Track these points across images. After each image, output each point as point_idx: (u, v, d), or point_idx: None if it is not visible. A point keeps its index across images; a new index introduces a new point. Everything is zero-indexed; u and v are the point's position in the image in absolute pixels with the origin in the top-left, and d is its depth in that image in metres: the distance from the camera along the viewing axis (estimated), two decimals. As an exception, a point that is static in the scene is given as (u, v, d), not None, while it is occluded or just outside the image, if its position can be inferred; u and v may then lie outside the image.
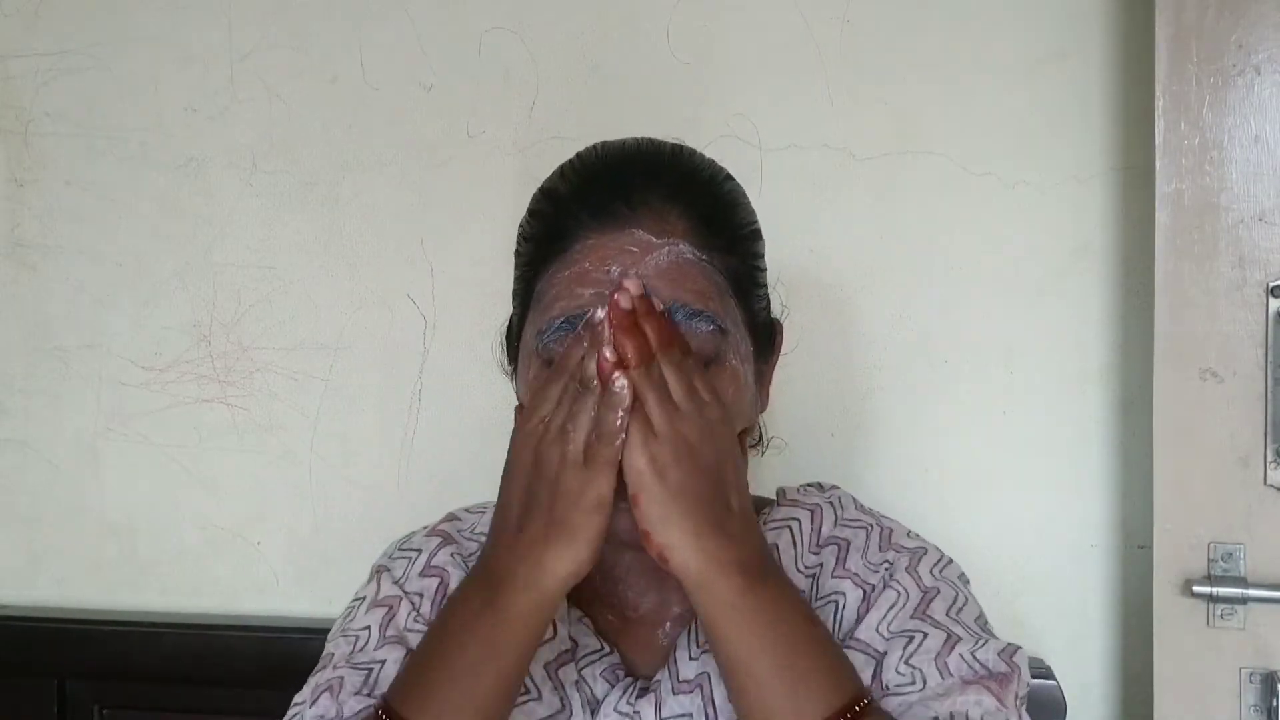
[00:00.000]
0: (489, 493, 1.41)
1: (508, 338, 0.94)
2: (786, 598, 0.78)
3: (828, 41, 1.30)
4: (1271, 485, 1.15)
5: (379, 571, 0.96)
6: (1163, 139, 1.15)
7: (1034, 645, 1.29)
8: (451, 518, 1.00)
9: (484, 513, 0.99)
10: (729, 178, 0.90)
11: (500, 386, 1.28)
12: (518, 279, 0.90)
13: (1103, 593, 1.29)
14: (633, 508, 0.76)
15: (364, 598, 0.94)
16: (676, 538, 0.75)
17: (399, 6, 1.38)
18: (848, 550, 0.91)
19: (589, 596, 0.91)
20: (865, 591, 0.88)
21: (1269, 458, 1.14)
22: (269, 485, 1.43)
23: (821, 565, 0.90)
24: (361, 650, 0.89)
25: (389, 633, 0.89)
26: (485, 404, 1.36)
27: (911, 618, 0.85)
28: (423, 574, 0.93)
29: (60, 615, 1.45)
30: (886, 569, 0.89)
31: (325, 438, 1.42)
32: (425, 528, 0.99)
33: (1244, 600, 1.14)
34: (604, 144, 0.89)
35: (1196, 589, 1.14)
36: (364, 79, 1.39)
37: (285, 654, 1.34)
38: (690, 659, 0.86)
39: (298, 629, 1.37)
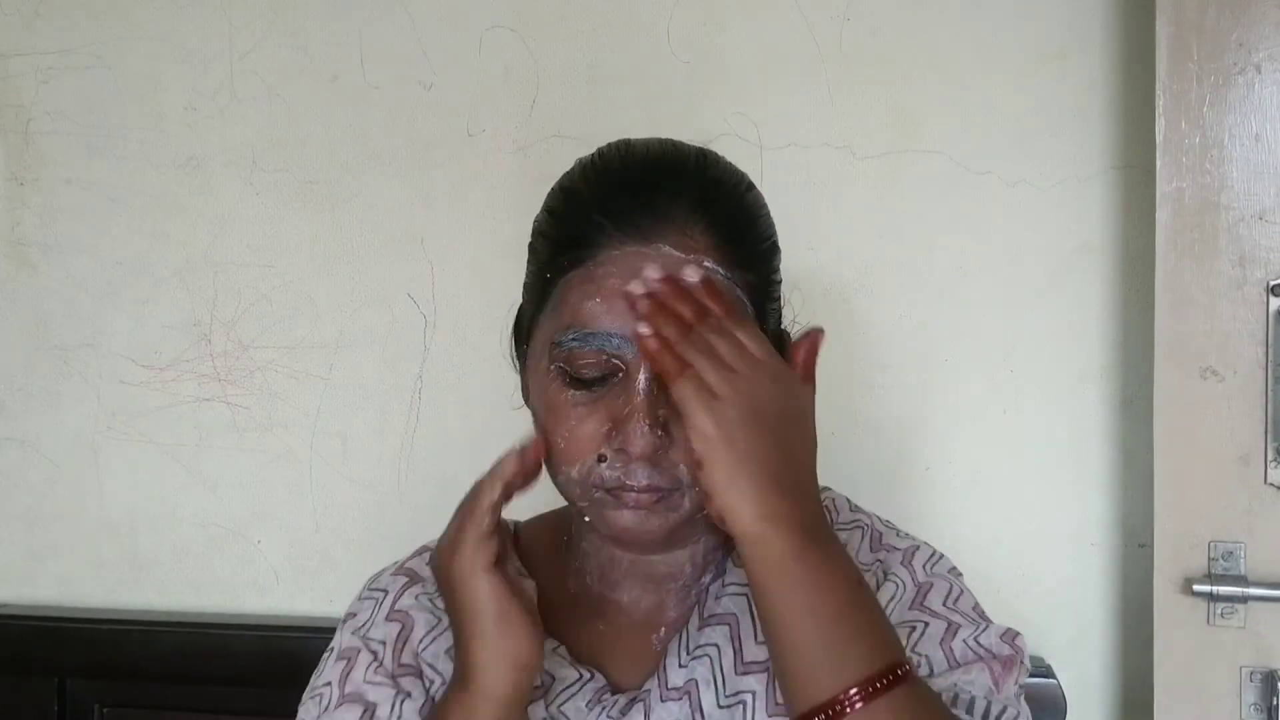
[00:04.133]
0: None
1: (516, 328, 0.92)
2: (839, 559, 0.76)
3: (828, 40, 1.30)
4: (1272, 484, 1.15)
5: (345, 619, 0.94)
6: (1163, 137, 1.15)
7: (1034, 645, 1.28)
8: (423, 550, 0.97)
9: None
10: (751, 187, 0.89)
11: (501, 385, 1.28)
12: (533, 273, 0.88)
13: (1103, 591, 1.29)
14: (696, 470, 0.75)
15: (333, 649, 0.93)
16: (737, 500, 0.73)
17: (399, 6, 1.38)
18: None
19: (585, 610, 0.90)
20: None
21: (1269, 456, 1.14)
22: (269, 484, 1.43)
23: None
24: (326, 711, 0.88)
25: (347, 689, 0.88)
26: (486, 403, 1.36)
27: (910, 609, 0.85)
28: (387, 618, 0.91)
29: (60, 614, 1.45)
30: (879, 566, 0.89)
31: (325, 437, 1.42)
32: (396, 563, 0.97)
33: (1244, 599, 1.14)
34: (626, 145, 0.87)
35: (1197, 588, 1.14)
36: (364, 78, 1.39)
37: (285, 653, 1.34)
38: (680, 666, 0.86)
39: (297, 628, 1.37)
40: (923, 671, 0.81)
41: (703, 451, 0.74)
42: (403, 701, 0.87)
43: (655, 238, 0.81)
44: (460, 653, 0.80)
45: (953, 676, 0.81)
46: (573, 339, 0.81)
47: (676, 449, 0.80)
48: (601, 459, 0.81)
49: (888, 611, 0.84)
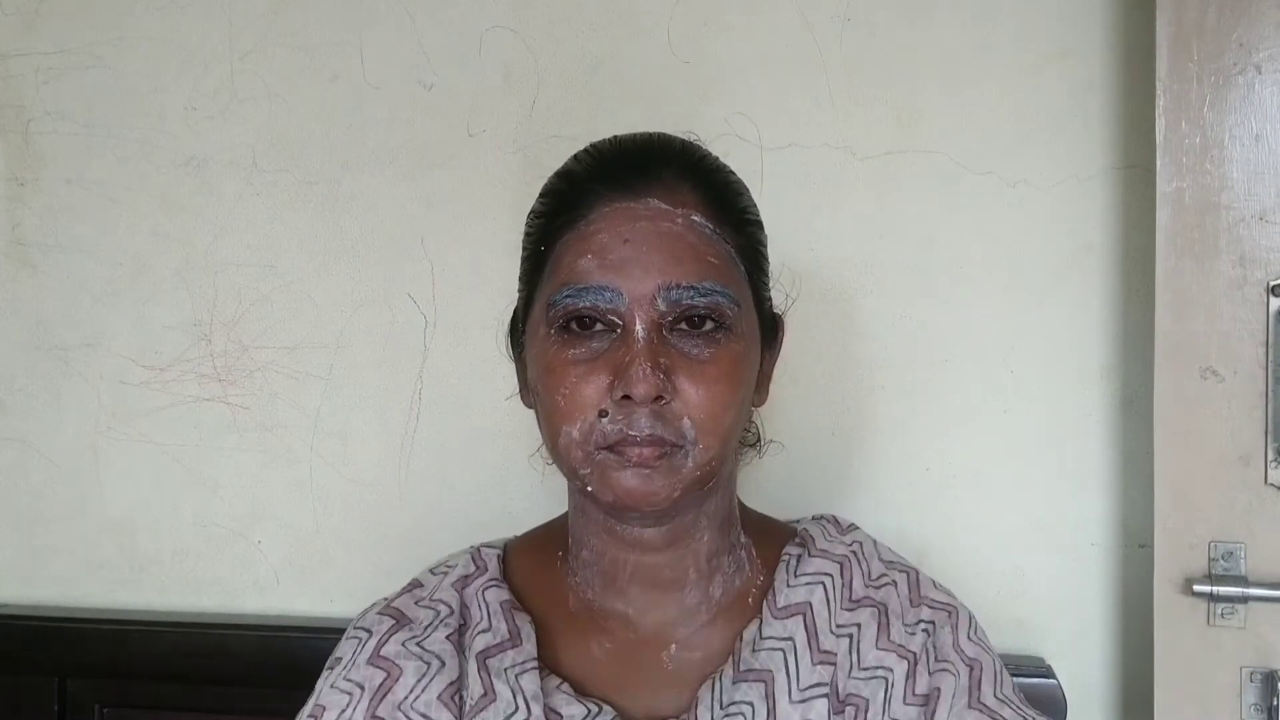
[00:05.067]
0: (487, 493, 1.41)
1: (512, 327, 0.94)
2: None
3: (828, 41, 1.30)
4: (1272, 484, 1.14)
5: (330, 664, 0.93)
6: (1163, 138, 1.15)
7: (1034, 645, 1.29)
8: (414, 585, 0.96)
9: (447, 573, 0.96)
10: (734, 173, 0.92)
11: (501, 385, 1.28)
12: (526, 258, 0.90)
13: (1103, 592, 1.29)
14: None
15: (312, 696, 0.91)
16: None
17: (399, 6, 1.38)
18: (886, 615, 0.90)
19: (588, 628, 0.90)
20: (910, 663, 0.88)
21: (1270, 456, 1.14)
22: (269, 484, 1.43)
23: (859, 626, 0.90)
24: None
25: None
26: (485, 403, 1.36)
27: (970, 706, 0.86)
28: (369, 662, 0.89)
29: (61, 614, 1.45)
30: (925, 633, 0.89)
31: (325, 437, 1.42)
32: (385, 599, 0.96)
33: (1244, 599, 1.13)
34: (616, 135, 0.91)
35: (1197, 588, 1.14)
36: (364, 78, 1.39)
37: (285, 653, 1.34)
38: (719, 709, 0.85)
39: (297, 628, 1.37)
40: None
41: None
42: None
43: (645, 194, 0.84)
44: None
45: None
46: (567, 295, 0.82)
47: (679, 400, 0.81)
48: (603, 414, 0.81)
49: (947, 709, 0.86)
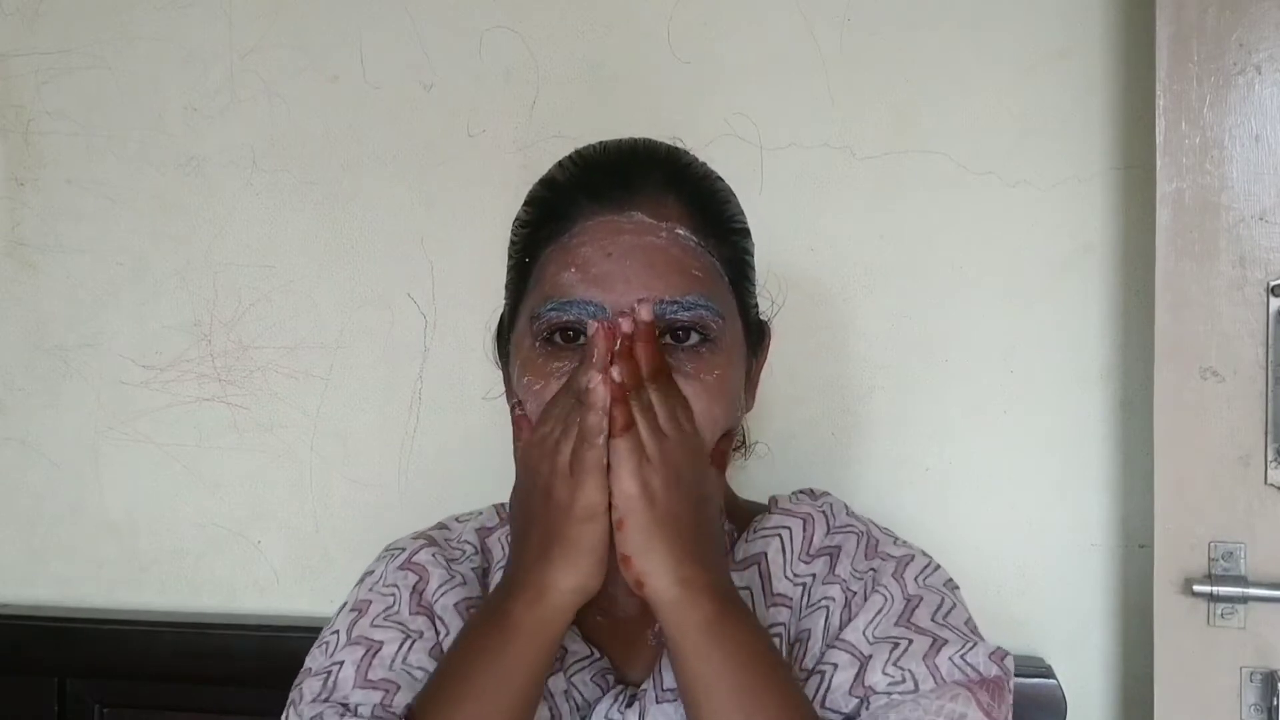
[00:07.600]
0: (488, 492, 1.41)
1: (499, 332, 0.95)
2: (753, 625, 0.80)
3: (828, 41, 1.30)
4: (1272, 484, 1.15)
5: (363, 578, 0.97)
6: (1163, 138, 1.15)
7: (1034, 645, 1.29)
8: (441, 526, 1.01)
9: (470, 520, 1.01)
10: (720, 179, 0.92)
11: (501, 385, 1.28)
12: (511, 266, 0.91)
13: (1103, 592, 1.29)
14: (616, 531, 0.76)
15: (345, 604, 0.95)
16: (656, 564, 0.76)
17: (399, 6, 1.38)
18: (839, 556, 0.91)
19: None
20: (848, 598, 0.88)
21: (1269, 457, 1.14)
22: (269, 484, 1.43)
23: (814, 575, 0.91)
24: (329, 655, 0.90)
25: (354, 634, 0.91)
26: (485, 403, 1.36)
27: (896, 625, 0.85)
28: (401, 567, 0.94)
29: (60, 614, 1.45)
30: (871, 575, 0.89)
31: (325, 437, 1.42)
32: (415, 532, 1.00)
33: (1244, 599, 1.14)
34: (602, 141, 0.91)
35: (1197, 588, 1.14)
36: (364, 78, 1.40)
37: (285, 652, 1.33)
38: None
39: (297, 627, 1.37)
40: (906, 688, 0.81)
41: (624, 511, 0.76)
42: (412, 643, 0.89)
43: (629, 207, 0.84)
44: (532, 571, 0.78)
45: (940, 702, 0.81)
46: (551, 309, 0.83)
47: None
48: None
49: (874, 625, 0.86)
